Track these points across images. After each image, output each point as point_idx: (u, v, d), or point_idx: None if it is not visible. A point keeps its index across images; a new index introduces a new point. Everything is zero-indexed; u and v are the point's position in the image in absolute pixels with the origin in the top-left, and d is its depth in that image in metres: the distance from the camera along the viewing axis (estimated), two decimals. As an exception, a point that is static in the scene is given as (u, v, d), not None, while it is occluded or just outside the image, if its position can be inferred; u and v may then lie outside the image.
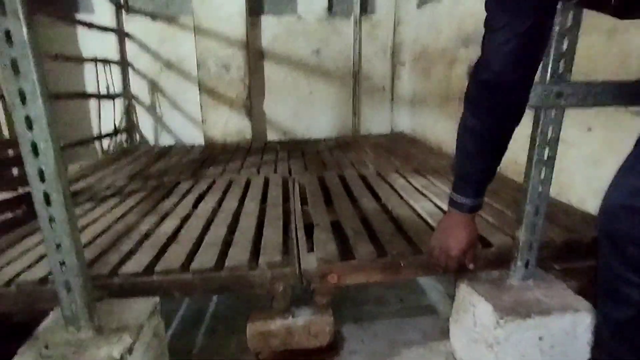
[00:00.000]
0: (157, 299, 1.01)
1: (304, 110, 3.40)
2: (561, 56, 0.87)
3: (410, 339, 1.26)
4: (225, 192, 1.75)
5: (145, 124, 3.34)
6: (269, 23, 3.21)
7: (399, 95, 3.44)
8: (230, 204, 1.58)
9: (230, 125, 3.25)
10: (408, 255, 1.13)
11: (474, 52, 2.16)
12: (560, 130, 0.92)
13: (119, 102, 3.14)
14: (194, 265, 1.07)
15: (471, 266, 1.01)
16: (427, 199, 1.55)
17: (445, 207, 1.26)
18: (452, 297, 1.17)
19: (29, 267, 1.09)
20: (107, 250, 1.18)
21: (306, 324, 1.10)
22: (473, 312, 1.04)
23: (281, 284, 1.08)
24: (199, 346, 1.26)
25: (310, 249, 1.20)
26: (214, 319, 1.41)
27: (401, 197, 1.59)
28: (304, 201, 1.62)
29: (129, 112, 3.23)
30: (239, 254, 1.12)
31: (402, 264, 1.12)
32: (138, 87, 3.26)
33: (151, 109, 3.31)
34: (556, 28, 0.85)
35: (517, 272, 1.04)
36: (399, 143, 2.95)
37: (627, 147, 0.71)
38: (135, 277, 1.04)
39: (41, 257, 1.14)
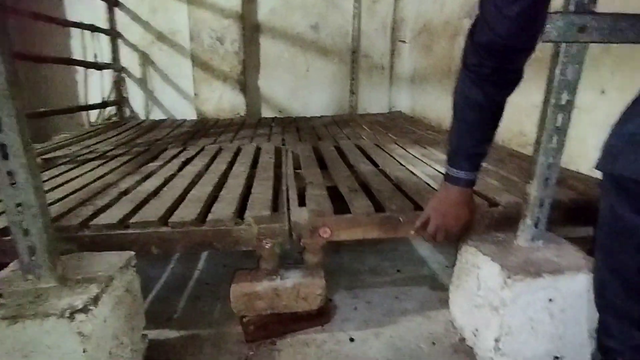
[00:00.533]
0: (131, 253, 0.91)
1: (300, 88, 3.29)
2: (586, -16, 0.77)
3: (406, 307, 1.18)
4: (214, 158, 1.65)
5: (135, 97, 3.21)
6: (266, -5, 3.09)
7: (399, 74, 3.34)
8: (218, 167, 1.48)
9: (223, 101, 3.14)
10: (408, 211, 1.05)
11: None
12: (581, 70, 0.83)
13: (108, 74, 3.02)
14: (174, 218, 0.97)
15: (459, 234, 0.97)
16: (427, 165, 1.47)
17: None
18: (452, 268, 1.09)
19: (-9, 217, 0.99)
20: (80, 204, 1.08)
21: (295, 286, 1.02)
22: (477, 274, 0.96)
23: (269, 241, 0.99)
24: (181, 311, 1.18)
25: (302, 204, 1.11)
26: (198, 285, 1.32)
27: (400, 164, 1.50)
28: (297, 167, 1.53)
29: (118, 84, 3.10)
30: (224, 209, 1.03)
31: (401, 220, 1.03)
32: (128, 59, 3.13)
33: (142, 82, 3.19)
34: (582, -50, 0.75)
35: (526, 231, 0.95)
36: (397, 121, 2.85)
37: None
38: (108, 230, 0.94)
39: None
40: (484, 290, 0.94)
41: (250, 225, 0.97)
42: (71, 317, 0.68)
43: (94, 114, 2.94)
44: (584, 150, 1.41)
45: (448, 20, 2.47)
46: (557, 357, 0.92)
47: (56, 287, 0.76)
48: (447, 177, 0.91)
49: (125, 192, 1.19)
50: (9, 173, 0.68)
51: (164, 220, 0.97)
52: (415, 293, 1.25)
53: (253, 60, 3.18)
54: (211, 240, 0.97)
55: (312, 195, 1.13)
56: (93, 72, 2.88)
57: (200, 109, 3.14)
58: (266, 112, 3.31)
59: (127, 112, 3.22)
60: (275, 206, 1.10)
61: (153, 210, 1.02)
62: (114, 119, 3.10)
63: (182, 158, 1.63)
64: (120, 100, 3.13)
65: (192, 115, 3.17)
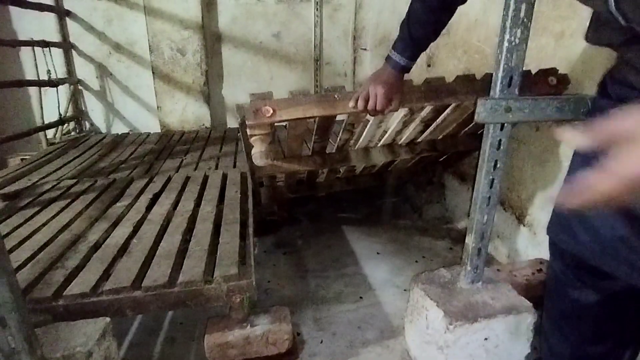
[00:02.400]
0: (107, 319, 0.97)
1: (265, 96, 3.31)
2: (509, 71, 0.88)
3: (368, 338, 1.30)
4: (181, 191, 1.69)
5: (95, 111, 3.14)
6: (226, 4, 3.05)
7: (361, 81, 3.42)
8: (186, 206, 1.53)
9: (187, 113, 3.12)
10: (342, 90, 1.15)
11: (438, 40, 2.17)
12: (507, 143, 0.94)
13: (64, 89, 2.92)
14: (146, 281, 1.03)
15: (393, 107, 1.08)
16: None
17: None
18: (408, 292, 1.20)
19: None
20: (50, 267, 1.11)
21: (264, 333, 1.11)
22: (426, 315, 1.08)
23: (238, 296, 1.07)
24: (157, 356, 1.24)
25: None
26: (172, 325, 1.39)
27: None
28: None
29: (75, 98, 3.01)
30: (194, 267, 1.10)
31: (336, 97, 1.13)
32: (84, 71, 3.04)
33: (101, 94, 3.11)
34: (505, 44, 0.86)
35: (467, 276, 1.08)
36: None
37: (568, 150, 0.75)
38: (82, 298, 0.99)
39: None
40: (431, 329, 1.06)
41: (219, 284, 1.05)
42: (56, 404, 0.74)
43: (51, 132, 2.85)
44: (523, 178, 1.56)
45: (405, 36, 2.56)
46: (493, 384, 1.07)
47: (37, 370, 0.81)
48: (388, 59, 1.06)
49: (95, 247, 1.23)
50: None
51: (137, 284, 1.03)
52: (376, 321, 1.38)
53: (216, 69, 3.16)
54: (183, 300, 1.04)
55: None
56: (48, 88, 2.78)
57: (164, 121, 3.11)
58: (232, 122, 3.31)
59: (87, 126, 3.14)
60: (242, 257, 1.17)
61: (125, 272, 1.07)
62: (73, 134, 3.02)
63: (149, 194, 1.66)
64: (78, 115, 3.05)
65: (155, 128, 3.13)
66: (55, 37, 2.83)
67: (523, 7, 0.83)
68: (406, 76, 1.11)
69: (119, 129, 3.17)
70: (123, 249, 1.21)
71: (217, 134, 2.92)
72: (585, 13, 0.91)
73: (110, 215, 1.47)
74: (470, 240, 1.04)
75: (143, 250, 1.19)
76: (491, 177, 0.97)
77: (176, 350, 1.26)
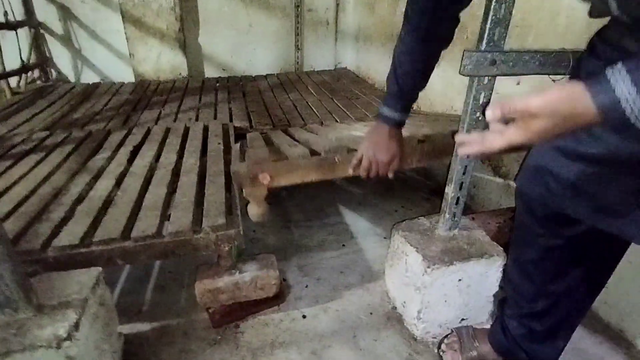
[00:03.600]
0: (99, 269, 0.99)
1: (243, 45, 3.18)
2: (497, 24, 0.88)
3: (350, 282, 1.39)
4: (162, 143, 1.66)
5: (61, 58, 2.94)
6: (199, -60, 2.82)
7: (343, 30, 3.31)
8: (168, 158, 1.51)
9: (163, 61, 2.97)
10: (342, 152, 1.19)
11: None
12: (491, 96, 0.97)
13: (24, 33, 2.70)
14: (135, 232, 1.05)
15: (391, 175, 1.06)
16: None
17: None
18: (389, 239, 1.27)
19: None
20: (35, 219, 1.11)
21: (253, 279, 1.16)
22: (405, 260, 1.16)
23: (226, 245, 1.11)
24: (149, 303, 1.29)
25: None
26: (161, 274, 1.43)
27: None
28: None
29: (38, 43, 2.80)
30: (181, 217, 1.11)
31: (337, 160, 1.17)
32: (46, 13, 2.80)
33: (66, 40, 2.90)
34: (493, -5, 0.85)
35: (445, 223, 1.15)
36: (343, 82, 2.91)
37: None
38: (72, 249, 1.00)
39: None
40: (410, 272, 1.14)
41: (208, 234, 1.07)
42: (58, 346, 0.78)
43: (14, 80, 2.67)
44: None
45: (390, -19, 2.46)
46: (463, 319, 1.18)
47: (35, 317, 0.83)
48: (380, 116, 1.03)
49: (79, 200, 1.22)
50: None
51: (126, 233, 1.04)
52: (358, 267, 1.46)
53: (191, 15, 2.98)
54: (172, 249, 1.06)
55: (251, 149, 1.22)
56: (6, 33, 2.57)
57: (137, 70, 2.96)
58: (209, 71, 3.19)
59: (54, 74, 2.96)
60: (228, 207, 1.19)
61: (112, 223, 1.08)
62: (39, 82, 2.85)
63: (129, 146, 1.63)
64: (42, 61, 2.86)
65: (129, 77, 2.99)
66: (8, -28, 2.57)
67: (514, -45, 0.82)
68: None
69: (88, 78, 3.01)
70: (108, 202, 1.21)
71: (195, 84, 2.82)
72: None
73: (90, 168, 1.44)
74: (449, 189, 1.09)
75: (129, 202, 1.19)
76: (472, 123, 1.00)
77: (167, 297, 1.32)
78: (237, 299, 1.17)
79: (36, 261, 0.98)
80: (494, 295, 1.18)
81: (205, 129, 1.84)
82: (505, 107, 0.49)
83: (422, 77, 0.98)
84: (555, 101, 0.45)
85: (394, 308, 1.26)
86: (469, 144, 0.55)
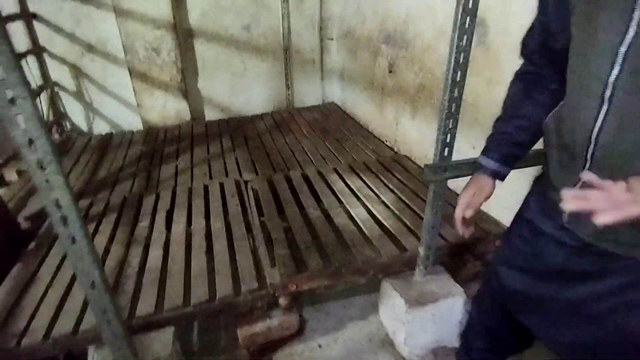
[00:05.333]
0: (172, 328, 1.36)
1: (239, 86, 3.51)
2: (445, 145, 1.26)
3: (352, 314, 1.78)
4: (189, 207, 2.02)
5: (74, 112, 3.24)
6: (195, 0, 3.12)
7: (329, 68, 3.67)
8: (199, 223, 1.87)
9: (168, 108, 3.29)
10: (347, 263, 1.58)
11: (396, 51, 2.48)
12: (445, 192, 1.36)
13: (42, 95, 2.99)
14: (193, 299, 1.41)
15: (465, 233, 0.97)
16: (360, 204, 1.98)
17: (375, 210, 1.78)
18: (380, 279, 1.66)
19: (55, 319, 1.35)
20: (113, 291, 1.46)
21: (280, 322, 1.54)
22: (392, 301, 1.55)
23: (259, 302, 1.48)
24: (197, 343, 1.66)
25: (273, 264, 1.60)
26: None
27: (340, 202, 2.00)
28: (259, 209, 1.97)
29: (54, 102, 3.10)
30: (223, 283, 1.48)
31: (343, 271, 1.57)
32: (59, 73, 3.09)
33: (78, 95, 3.19)
34: (441, 137, 1.23)
35: (419, 273, 1.55)
36: (332, 119, 3.28)
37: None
38: (150, 317, 1.36)
39: (59, 308, 1.39)
40: (396, 310, 1.54)
41: (246, 296, 1.45)
42: (161, 394, 1.15)
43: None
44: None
45: (369, 36, 2.83)
46: (439, 342, 1.58)
47: (139, 373, 1.20)
48: (477, 166, 0.98)
49: (140, 271, 1.58)
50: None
51: (186, 301, 1.41)
52: (357, 301, 1.85)
53: (191, 64, 3.30)
54: (221, 310, 1.44)
55: (279, 257, 1.60)
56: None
57: (145, 117, 3.28)
58: (210, 113, 3.51)
59: (68, 126, 3.25)
60: (257, 270, 1.57)
61: (174, 293, 1.45)
62: (57, 136, 3.14)
63: (162, 212, 1.98)
64: (59, 117, 3.15)
65: (137, 124, 3.30)
66: (24, 42, 2.86)
67: (456, 93, 1.20)
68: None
69: (100, 127, 3.31)
70: (164, 271, 1.57)
71: (199, 129, 3.16)
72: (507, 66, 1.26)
73: (138, 238, 1.79)
74: (422, 250, 1.48)
75: (180, 272, 1.56)
76: (435, 210, 1.39)
77: (211, 338, 1.68)
78: (269, 338, 1.55)
79: (125, 328, 1.34)
80: (460, 322, 1.58)
81: (222, 188, 2.19)
82: None
83: (524, 127, 0.91)
84: None
85: (387, 335, 1.66)
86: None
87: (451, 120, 1.23)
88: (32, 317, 1.36)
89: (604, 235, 0.76)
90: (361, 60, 3.03)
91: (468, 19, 1.09)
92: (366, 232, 1.76)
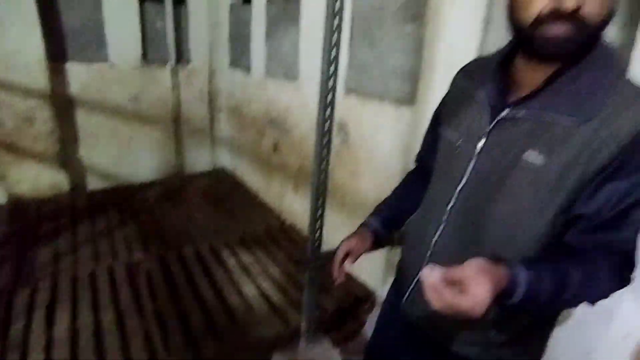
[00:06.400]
0: None
1: (125, 156, 3.46)
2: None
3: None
4: (73, 300, 1.95)
5: None
6: (76, 70, 3.07)
7: (219, 136, 3.88)
8: (86, 318, 1.84)
9: (41, 180, 3.07)
10: (240, 345, 1.76)
11: (279, 134, 2.84)
12: (319, 275, 1.67)
13: None
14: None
15: (340, 278, 0.99)
16: (251, 280, 2.19)
17: (264, 286, 2.01)
18: None
19: None
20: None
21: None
22: (282, 371, 1.77)
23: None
24: None
25: (169, 354, 1.68)
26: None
27: (232, 281, 2.18)
28: (152, 294, 2.02)
29: None
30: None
31: (236, 355, 1.73)
32: None
33: None
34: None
35: (303, 344, 1.81)
36: (223, 187, 3.46)
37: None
38: None
39: None
40: (286, 380, 1.76)
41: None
42: None
43: None
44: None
45: (256, 116, 3.16)
46: (322, 402, 1.84)
47: None
48: (362, 224, 1.01)
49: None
50: None
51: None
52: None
53: (71, 134, 3.17)
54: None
55: (174, 346, 1.70)
56: None
57: (12, 191, 2.99)
58: (93, 182, 3.36)
59: None
60: (153, 363, 1.63)
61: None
62: None
63: (40, 308, 1.87)
64: None
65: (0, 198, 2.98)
66: None
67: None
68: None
69: (-49, 201, 2.90)
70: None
71: (81, 201, 3.01)
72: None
73: (13, 343, 1.68)
74: (303, 325, 1.75)
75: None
76: (312, 291, 1.69)
77: None
78: None
79: None
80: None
81: (111, 272, 2.17)
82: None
83: (400, 202, 1.03)
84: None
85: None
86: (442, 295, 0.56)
87: (320, 200, 1.55)
88: None
89: (431, 323, 0.85)
90: (249, 135, 3.33)
91: (328, 123, 1.43)
92: (256, 310, 1.97)
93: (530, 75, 0.68)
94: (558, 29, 0.58)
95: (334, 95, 1.42)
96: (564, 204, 0.64)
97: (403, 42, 1.78)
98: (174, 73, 3.46)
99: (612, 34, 1.09)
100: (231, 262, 2.36)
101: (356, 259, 0.97)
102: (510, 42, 0.73)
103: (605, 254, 0.65)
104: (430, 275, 0.58)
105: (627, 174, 0.60)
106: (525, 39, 0.65)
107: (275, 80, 2.81)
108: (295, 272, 2.27)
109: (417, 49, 1.67)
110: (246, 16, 3.08)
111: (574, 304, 0.70)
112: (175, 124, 3.61)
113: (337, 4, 1.26)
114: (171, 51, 3.39)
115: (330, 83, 1.38)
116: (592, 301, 0.67)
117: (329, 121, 1.45)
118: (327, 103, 1.40)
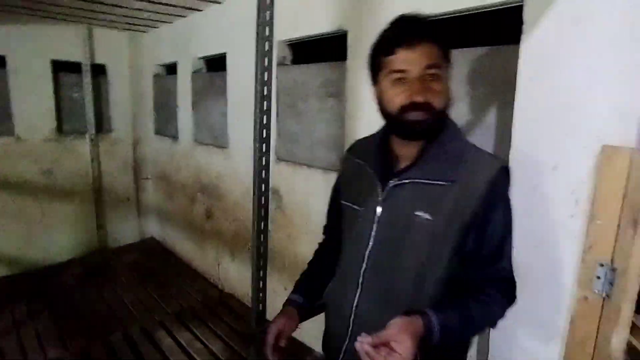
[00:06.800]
0: None
1: (36, 234, 3.13)
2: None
3: None
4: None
5: None
6: (-24, 147, 2.80)
7: (146, 205, 3.70)
8: None
9: None
10: None
11: (211, 200, 2.80)
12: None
13: None
14: None
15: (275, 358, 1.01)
16: (190, 362, 2.05)
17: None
18: None
19: None
20: None
21: None
22: None
23: None
24: None
25: None
26: None
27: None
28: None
29: None
30: None
31: None
32: None
33: None
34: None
35: None
36: (153, 259, 3.25)
37: None
38: None
39: None
40: None
41: None
42: None
43: None
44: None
45: (185, 183, 3.10)
46: None
47: None
48: (286, 302, 1.05)
49: None
50: None
51: None
52: None
53: (-34, 218, 2.80)
54: None
55: None
56: None
57: None
58: (-4, 269, 2.95)
59: None
60: None
61: None
62: None
63: None
64: None
65: None
66: None
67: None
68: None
69: None
70: None
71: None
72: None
73: None
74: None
75: None
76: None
77: None
78: None
79: None
80: None
81: (20, 379, 1.88)
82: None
83: (317, 272, 1.08)
84: None
85: None
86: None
87: (262, 261, 1.53)
88: None
89: None
90: (179, 203, 3.24)
91: (263, 185, 1.45)
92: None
93: (406, 149, 0.86)
94: (417, 115, 0.79)
95: (268, 158, 1.47)
96: (455, 247, 0.79)
97: (327, 115, 1.95)
98: (94, 143, 3.31)
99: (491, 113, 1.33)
100: (167, 342, 2.18)
101: (287, 337, 0.99)
102: (384, 126, 0.91)
103: (493, 284, 0.82)
104: (363, 344, 0.68)
105: (492, 218, 0.79)
106: (395, 123, 0.84)
107: (205, 148, 2.83)
108: (240, 346, 2.18)
109: (340, 120, 1.84)
110: (171, 86, 3.11)
111: (480, 330, 0.89)
112: (97, 196, 3.38)
113: (266, 75, 1.34)
114: (90, 122, 3.25)
115: (264, 147, 1.42)
116: (493, 324, 0.84)
117: (264, 183, 1.49)
118: (262, 165, 1.44)
